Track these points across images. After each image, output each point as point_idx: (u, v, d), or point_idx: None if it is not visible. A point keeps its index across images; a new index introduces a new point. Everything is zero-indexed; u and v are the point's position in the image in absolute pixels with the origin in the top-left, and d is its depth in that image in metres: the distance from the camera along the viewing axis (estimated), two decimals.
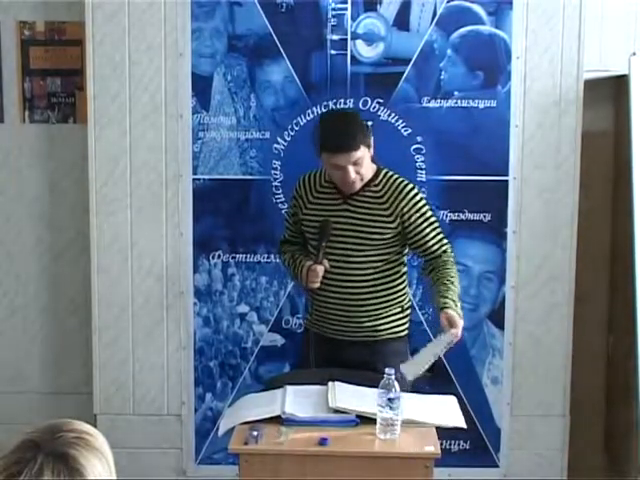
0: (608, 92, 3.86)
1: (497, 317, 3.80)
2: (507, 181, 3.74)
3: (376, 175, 3.08)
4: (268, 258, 3.79)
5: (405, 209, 3.04)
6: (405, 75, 3.69)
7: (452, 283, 2.99)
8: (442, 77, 3.70)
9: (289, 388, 2.85)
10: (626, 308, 3.63)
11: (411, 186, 3.09)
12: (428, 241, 3.07)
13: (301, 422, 2.65)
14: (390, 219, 3.04)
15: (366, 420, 2.66)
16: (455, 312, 2.88)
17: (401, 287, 3.15)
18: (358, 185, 3.03)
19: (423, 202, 3.09)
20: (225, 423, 2.82)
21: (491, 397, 3.82)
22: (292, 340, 3.82)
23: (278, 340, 3.84)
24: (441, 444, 2.61)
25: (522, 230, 3.75)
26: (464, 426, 2.75)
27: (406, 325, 3.18)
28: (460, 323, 2.87)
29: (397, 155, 3.56)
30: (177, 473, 3.89)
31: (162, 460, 3.88)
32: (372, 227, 3.05)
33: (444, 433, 2.74)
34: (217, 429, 3.19)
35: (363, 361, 3.03)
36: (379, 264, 3.08)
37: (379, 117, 3.70)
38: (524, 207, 3.75)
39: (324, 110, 3.68)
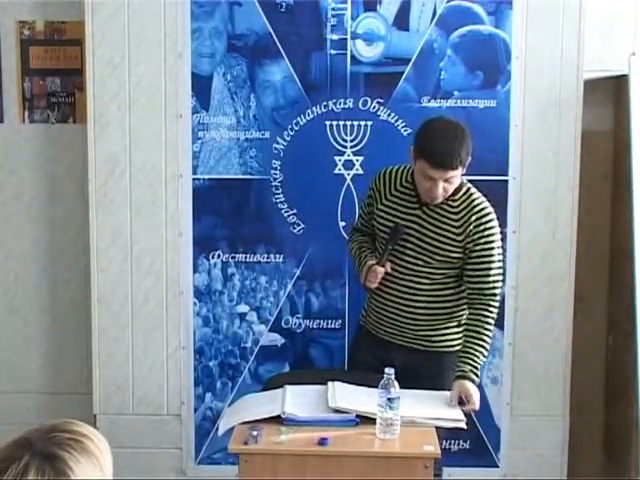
0: (608, 92, 3.86)
1: (497, 317, 3.79)
2: (507, 181, 3.74)
3: (458, 189, 3.01)
4: (268, 258, 3.79)
5: (473, 231, 2.98)
6: (405, 75, 3.69)
7: (481, 341, 2.94)
8: (442, 77, 3.70)
9: (289, 388, 2.85)
10: (626, 308, 3.63)
11: (488, 210, 3.01)
12: (478, 274, 3.00)
13: (301, 422, 2.65)
14: (459, 238, 2.99)
15: (366, 420, 2.66)
16: (471, 383, 2.86)
17: (460, 302, 3.09)
18: (441, 199, 2.98)
19: (494, 231, 3.00)
20: (225, 423, 2.82)
21: (491, 397, 3.81)
22: (292, 340, 3.83)
23: (278, 340, 3.84)
24: (441, 444, 2.61)
25: (522, 230, 3.75)
26: (464, 419, 2.75)
27: (460, 341, 3.11)
28: (475, 397, 2.85)
29: (397, 155, 3.55)
30: (177, 473, 3.89)
31: (162, 460, 3.88)
32: (439, 240, 3.01)
33: (444, 433, 2.75)
34: (217, 429, 3.20)
35: (410, 367, 2.98)
36: (439, 277, 3.05)
37: (379, 117, 3.70)
38: (524, 207, 3.75)
39: (324, 110, 3.69)
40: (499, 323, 3.78)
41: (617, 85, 3.81)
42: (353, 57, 3.69)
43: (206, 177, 3.77)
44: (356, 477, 2.54)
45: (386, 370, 2.59)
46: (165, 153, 3.76)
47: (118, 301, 3.82)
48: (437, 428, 2.69)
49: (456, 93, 3.70)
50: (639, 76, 3.60)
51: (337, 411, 2.69)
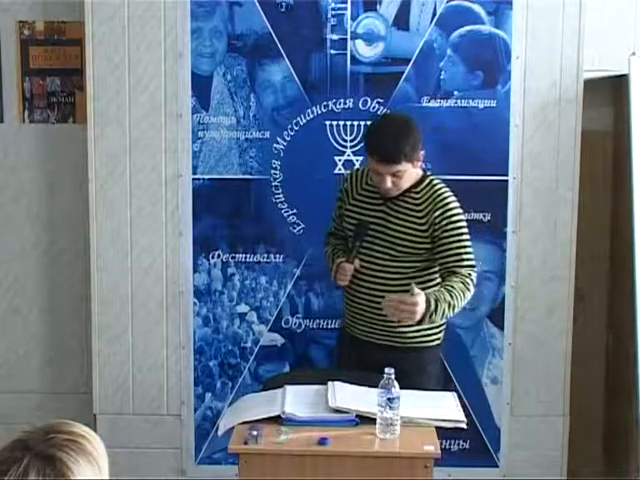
0: (608, 92, 3.86)
1: (497, 317, 3.79)
2: (507, 181, 3.74)
3: (420, 182, 3.07)
4: (268, 258, 3.79)
5: (438, 219, 3.01)
6: (405, 75, 3.69)
7: (450, 291, 2.88)
8: (442, 77, 3.70)
9: (289, 388, 2.85)
10: (626, 308, 3.63)
11: (450, 199, 3.05)
12: (449, 253, 3.00)
13: (301, 422, 2.65)
14: (424, 227, 3.02)
15: (366, 420, 2.66)
16: (423, 300, 2.79)
17: None
18: (394, 193, 3.03)
19: (458, 216, 3.04)
20: (225, 423, 2.82)
21: (491, 397, 3.81)
22: (292, 340, 3.83)
23: (278, 340, 3.84)
24: (441, 444, 2.61)
25: (522, 230, 3.75)
26: (464, 419, 2.74)
27: (438, 335, 3.13)
28: (415, 307, 2.78)
29: None
30: (177, 473, 3.89)
31: (162, 460, 3.88)
32: (404, 232, 3.04)
33: (444, 433, 2.74)
34: (217, 429, 3.19)
35: (390, 365, 2.91)
36: (409, 270, 3.06)
37: (379, 117, 3.70)
38: (524, 207, 3.75)
39: (324, 110, 3.69)
40: (499, 323, 3.79)
41: (617, 85, 3.81)
42: (353, 57, 3.69)
43: (206, 177, 3.77)
44: (356, 477, 2.54)
45: (386, 370, 2.59)
46: (165, 153, 3.76)
47: (118, 301, 3.82)
48: (437, 428, 2.69)
49: (456, 93, 3.70)
50: (639, 76, 3.60)
51: (337, 411, 2.69)
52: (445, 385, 3.30)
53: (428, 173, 3.13)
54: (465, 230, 3.05)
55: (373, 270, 3.08)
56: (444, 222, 3.00)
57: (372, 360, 2.99)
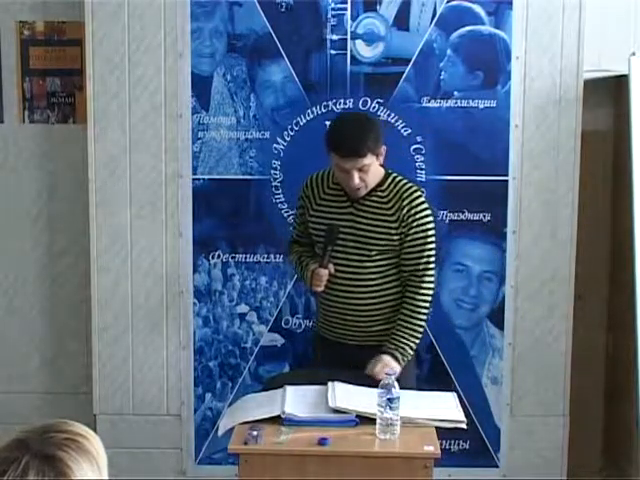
0: (608, 92, 3.86)
1: (497, 317, 3.79)
2: (507, 181, 3.74)
3: (384, 180, 3.07)
4: (268, 258, 3.79)
5: (406, 215, 3.02)
6: (405, 75, 3.69)
7: (411, 321, 3.00)
8: (442, 77, 3.70)
9: (289, 388, 2.85)
10: (626, 308, 3.63)
11: (418, 194, 3.07)
12: (413, 257, 3.04)
13: (301, 422, 2.65)
14: (394, 225, 3.02)
15: (366, 420, 2.66)
16: (390, 357, 2.93)
17: None
18: (363, 192, 3.02)
19: (426, 213, 3.05)
20: (225, 423, 2.82)
21: (491, 397, 3.81)
22: (292, 340, 3.83)
23: (278, 340, 3.84)
24: (441, 444, 2.62)
25: (522, 230, 3.75)
26: (464, 419, 2.74)
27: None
28: (390, 365, 2.89)
29: (397, 155, 3.55)
30: (177, 473, 3.89)
31: (162, 460, 3.88)
32: (376, 232, 3.03)
33: (444, 433, 2.74)
34: (217, 429, 3.19)
35: (363, 364, 2.98)
36: (384, 268, 3.06)
37: (379, 117, 3.69)
38: (524, 207, 3.75)
39: (324, 110, 3.69)
40: (499, 323, 3.79)
41: (617, 85, 3.81)
42: (353, 57, 3.69)
43: (206, 177, 3.77)
44: (356, 477, 2.54)
45: (387, 370, 2.59)
46: (165, 153, 3.76)
47: (118, 301, 3.82)
48: (437, 428, 2.69)
49: (456, 93, 3.70)
50: (639, 76, 3.60)
51: (337, 411, 2.69)
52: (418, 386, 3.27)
53: (389, 171, 3.11)
54: (430, 226, 3.06)
55: (349, 273, 3.06)
56: (410, 219, 3.02)
57: (353, 361, 2.98)
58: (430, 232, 3.06)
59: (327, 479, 2.54)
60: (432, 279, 3.07)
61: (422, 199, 3.07)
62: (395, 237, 3.03)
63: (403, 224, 3.01)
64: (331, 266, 3.06)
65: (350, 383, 2.86)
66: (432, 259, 3.06)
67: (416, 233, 3.03)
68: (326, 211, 3.11)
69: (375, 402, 2.61)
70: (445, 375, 3.76)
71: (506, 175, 3.73)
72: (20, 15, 3.93)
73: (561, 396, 3.80)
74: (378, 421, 2.60)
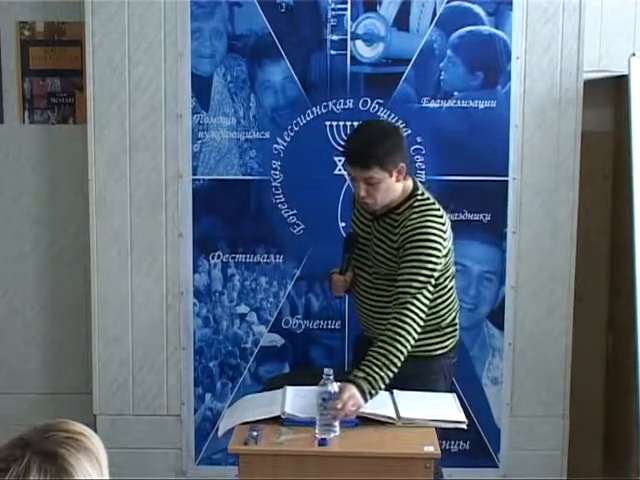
0: (608, 92, 3.86)
1: (497, 317, 3.80)
2: (507, 181, 3.74)
3: (404, 201, 2.87)
4: (268, 258, 3.79)
5: (402, 239, 2.83)
6: (405, 75, 3.69)
7: (387, 351, 2.68)
8: (442, 77, 3.70)
9: (289, 388, 2.85)
10: (626, 308, 3.63)
11: (422, 224, 2.80)
12: (402, 276, 2.79)
13: (301, 422, 2.65)
14: (395, 252, 2.86)
15: (366, 420, 2.66)
16: (355, 388, 2.61)
17: (432, 310, 2.91)
18: (374, 207, 2.88)
19: (424, 237, 2.79)
20: (225, 423, 2.82)
21: (491, 397, 3.82)
22: (292, 341, 3.83)
23: (278, 340, 3.84)
24: (441, 444, 2.61)
25: (522, 230, 3.75)
26: (464, 419, 2.73)
27: (444, 344, 3.01)
28: (346, 400, 2.57)
29: None
30: (177, 473, 3.89)
31: (162, 460, 3.88)
32: (381, 255, 2.94)
33: (444, 433, 2.74)
34: (217, 429, 3.19)
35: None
36: (392, 288, 2.87)
37: (379, 117, 3.70)
38: (524, 207, 3.75)
39: (324, 110, 3.70)
40: (499, 323, 3.79)
41: (617, 85, 3.81)
42: (353, 58, 3.69)
43: (206, 178, 3.77)
44: (356, 477, 2.54)
45: (325, 370, 2.58)
46: (165, 153, 3.76)
47: (118, 301, 3.82)
48: (437, 428, 2.69)
49: (456, 93, 3.70)
50: (639, 76, 3.60)
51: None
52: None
53: (419, 191, 2.90)
54: (427, 252, 2.78)
55: (369, 287, 3.02)
56: (405, 243, 2.81)
57: None
58: (425, 258, 2.78)
59: (327, 479, 2.54)
60: (423, 307, 2.78)
61: (428, 225, 2.81)
62: (394, 264, 2.88)
63: (400, 249, 2.84)
64: (349, 273, 3.03)
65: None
66: (426, 288, 2.78)
67: (407, 255, 2.80)
68: (360, 220, 3.06)
69: (375, 403, 2.60)
70: None
71: (506, 175, 3.73)
72: (20, 15, 3.93)
73: (561, 396, 3.80)
74: (317, 421, 2.57)
